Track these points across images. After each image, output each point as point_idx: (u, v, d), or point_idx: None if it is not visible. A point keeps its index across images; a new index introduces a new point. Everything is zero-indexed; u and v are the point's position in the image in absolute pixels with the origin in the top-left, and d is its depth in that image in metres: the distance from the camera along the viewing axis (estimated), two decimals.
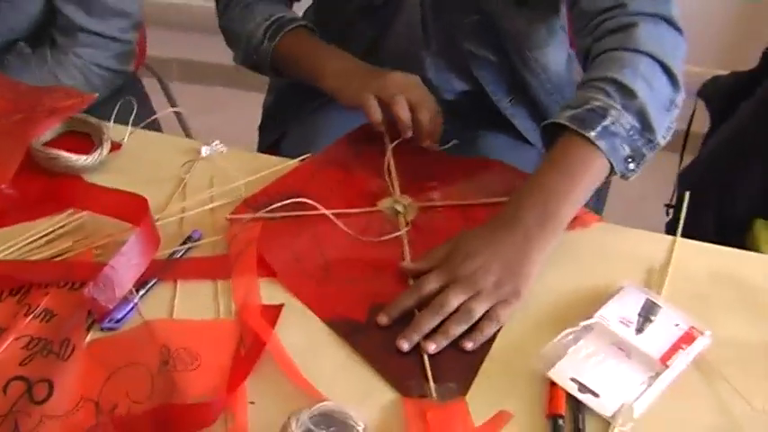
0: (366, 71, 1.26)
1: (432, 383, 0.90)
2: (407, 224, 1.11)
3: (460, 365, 0.93)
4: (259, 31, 1.35)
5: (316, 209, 1.09)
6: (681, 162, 1.83)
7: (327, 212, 1.08)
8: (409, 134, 1.19)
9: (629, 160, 1.04)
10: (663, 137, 1.07)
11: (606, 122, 1.02)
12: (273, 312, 0.97)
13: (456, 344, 0.94)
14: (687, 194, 1.11)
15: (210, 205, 1.12)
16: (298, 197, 1.10)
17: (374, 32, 1.37)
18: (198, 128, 2.18)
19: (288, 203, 1.09)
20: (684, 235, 1.10)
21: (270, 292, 1.01)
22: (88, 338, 0.94)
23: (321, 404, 0.77)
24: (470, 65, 1.36)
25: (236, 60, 1.44)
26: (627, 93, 1.04)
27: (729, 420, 0.86)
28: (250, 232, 1.07)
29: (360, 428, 0.76)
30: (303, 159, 1.21)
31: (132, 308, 0.98)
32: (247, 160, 1.21)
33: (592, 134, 1.01)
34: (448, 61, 1.38)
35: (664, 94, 1.07)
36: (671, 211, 1.82)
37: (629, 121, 1.03)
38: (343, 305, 1.00)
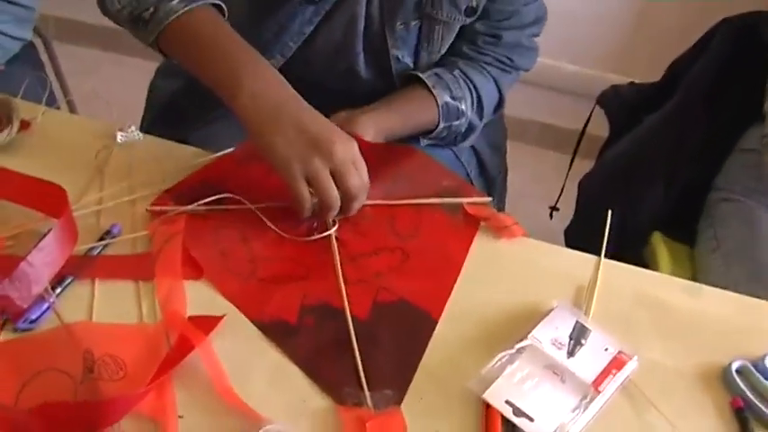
0: (295, 121, 1.03)
1: (366, 391, 0.89)
2: (335, 222, 1.08)
3: (394, 372, 0.92)
4: None
5: (241, 203, 1.05)
6: (571, 164, 1.86)
7: (254, 208, 1.05)
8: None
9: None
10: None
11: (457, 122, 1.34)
12: (211, 323, 0.92)
13: (389, 350, 0.94)
14: (609, 213, 1.13)
15: (131, 197, 1.06)
16: (221, 190, 1.05)
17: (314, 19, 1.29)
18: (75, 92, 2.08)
19: (213, 199, 1.05)
20: (583, 246, 1.12)
21: (196, 294, 0.96)
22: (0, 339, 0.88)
23: (269, 427, 0.74)
24: (394, 69, 1.35)
25: (111, 5, 1.16)
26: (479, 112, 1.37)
27: None
28: (173, 226, 1.02)
29: None
30: (224, 154, 1.15)
31: (48, 307, 0.92)
32: (165, 149, 1.16)
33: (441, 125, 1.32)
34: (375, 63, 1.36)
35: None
36: (554, 213, 1.86)
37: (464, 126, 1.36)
38: (272, 305, 0.98)
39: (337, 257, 1.04)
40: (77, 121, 1.19)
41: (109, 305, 0.94)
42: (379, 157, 1.17)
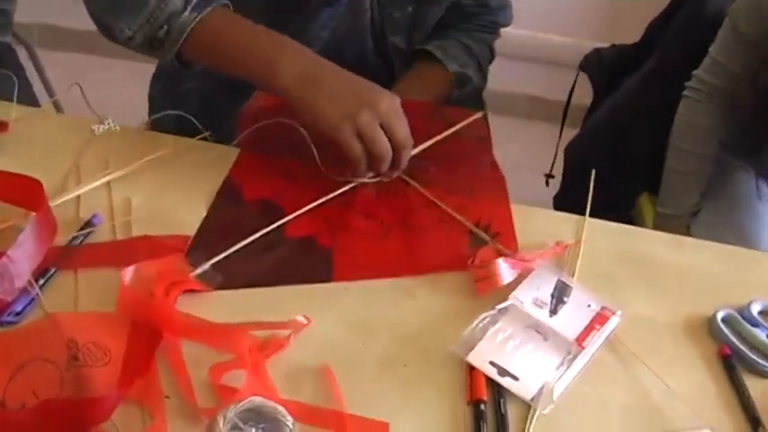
0: (338, 85, 1.05)
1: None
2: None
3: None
4: None
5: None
6: (561, 133, 1.86)
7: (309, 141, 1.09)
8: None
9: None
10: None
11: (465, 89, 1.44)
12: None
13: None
14: (593, 172, 1.13)
15: (105, 179, 1.07)
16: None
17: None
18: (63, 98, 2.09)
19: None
20: (570, 209, 1.13)
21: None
22: None
23: (249, 399, 0.74)
24: (392, 55, 1.39)
25: (120, 33, 1.10)
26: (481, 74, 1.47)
27: (644, 399, 0.89)
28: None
29: (289, 423, 0.74)
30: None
31: (32, 300, 0.92)
32: (142, 139, 1.16)
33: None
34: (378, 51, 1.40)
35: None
36: (549, 181, 1.86)
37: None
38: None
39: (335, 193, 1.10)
40: (54, 119, 1.19)
41: (93, 293, 0.94)
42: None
